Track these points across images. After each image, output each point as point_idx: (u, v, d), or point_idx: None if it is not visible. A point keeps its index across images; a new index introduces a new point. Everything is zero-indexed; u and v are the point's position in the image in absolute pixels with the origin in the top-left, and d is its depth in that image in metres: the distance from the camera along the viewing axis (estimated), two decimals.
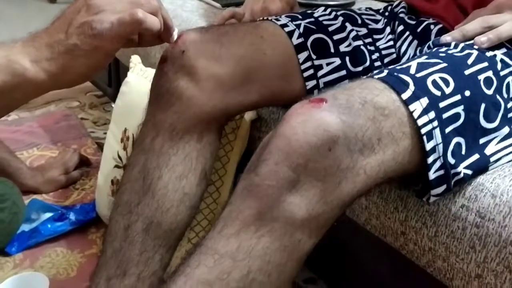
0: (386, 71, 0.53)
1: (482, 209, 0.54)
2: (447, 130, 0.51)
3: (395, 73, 0.52)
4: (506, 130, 0.56)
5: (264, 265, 0.47)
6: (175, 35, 0.58)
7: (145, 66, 1.00)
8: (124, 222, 0.62)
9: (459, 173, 0.53)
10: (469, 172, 0.54)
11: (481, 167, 0.55)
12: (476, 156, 0.54)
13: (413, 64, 0.54)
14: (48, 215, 1.04)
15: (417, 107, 0.50)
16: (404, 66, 0.54)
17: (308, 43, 0.69)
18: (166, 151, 0.62)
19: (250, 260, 0.47)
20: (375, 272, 0.79)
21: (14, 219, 0.96)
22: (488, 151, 0.55)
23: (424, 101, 0.50)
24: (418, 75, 0.52)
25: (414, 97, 0.50)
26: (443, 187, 0.53)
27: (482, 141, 0.55)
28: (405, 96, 0.50)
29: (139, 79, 0.96)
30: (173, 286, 0.48)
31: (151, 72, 0.93)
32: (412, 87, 0.50)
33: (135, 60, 1.01)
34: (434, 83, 0.52)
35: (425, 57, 0.56)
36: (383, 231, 0.64)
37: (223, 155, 0.84)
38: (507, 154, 0.57)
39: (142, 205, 0.62)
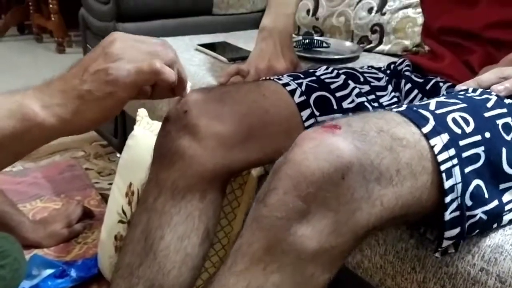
0: (405, 106, 0.52)
1: (503, 274, 0.51)
2: (467, 170, 0.49)
3: (415, 108, 0.50)
4: None
5: None
6: (188, 88, 0.58)
7: (151, 120, 1.00)
8: (125, 285, 0.60)
9: (474, 215, 0.50)
10: (484, 217, 0.51)
11: (495, 214, 0.53)
12: (495, 203, 0.52)
13: (432, 102, 0.53)
14: (49, 271, 1.01)
15: (437, 142, 0.47)
16: (423, 103, 0.53)
17: (311, 101, 0.69)
18: (168, 211, 0.61)
19: None
20: None
21: (15, 275, 0.93)
22: (505, 198, 0.53)
23: (445, 137, 0.48)
24: (437, 111, 0.50)
25: (435, 132, 0.48)
26: (457, 230, 0.50)
27: (502, 186, 0.53)
28: (425, 130, 0.48)
29: (145, 132, 0.96)
30: None
31: (157, 125, 0.92)
32: (432, 122, 0.48)
33: (142, 114, 1.01)
34: (454, 120, 0.50)
35: (444, 97, 0.55)
36: None
37: (229, 212, 0.82)
38: None
39: (144, 267, 0.60)
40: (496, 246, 0.53)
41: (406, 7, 1.21)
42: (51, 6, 2.82)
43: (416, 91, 0.73)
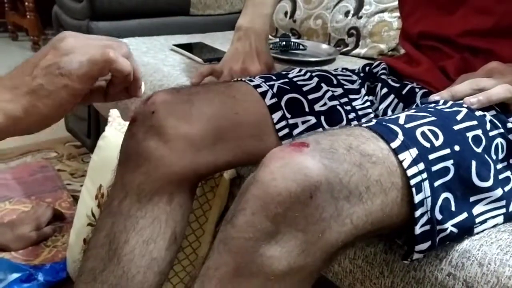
0: (374, 121, 0.51)
1: (469, 278, 0.51)
2: (436, 183, 0.49)
3: (384, 123, 0.50)
4: (499, 191, 0.54)
5: None
6: (142, 88, 0.56)
7: (124, 121, 0.98)
8: None
9: (445, 229, 0.50)
10: (455, 230, 0.51)
11: (466, 227, 0.53)
12: (464, 215, 0.52)
13: (402, 116, 0.52)
14: (15, 275, 0.98)
15: (406, 157, 0.47)
16: (393, 117, 0.52)
17: (282, 103, 0.68)
18: (134, 214, 0.59)
19: None
20: None
21: None
22: (475, 211, 0.53)
23: (414, 151, 0.48)
24: (407, 125, 0.50)
25: (404, 147, 0.47)
26: (428, 243, 0.50)
27: (472, 199, 0.53)
28: (394, 145, 0.47)
29: (116, 133, 0.94)
30: None
31: None
32: (401, 137, 0.48)
33: (114, 114, 0.99)
34: (423, 134, 0.50)
35: (414, 110, 0.55)
36: None
37: (201, 215, 0.81)
38: (493, 217, 0.55)
39: (107, 271, 0.58)
40: (464, 251, 0.53)
41: (382, 11, 1.22)
42: (26, 3, 2.76)
43: (392, 96, 0.73)
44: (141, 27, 1.36)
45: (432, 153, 0.49)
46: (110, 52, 0.48)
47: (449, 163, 0.50)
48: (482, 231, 0.55)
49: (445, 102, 0.58)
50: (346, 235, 0.44)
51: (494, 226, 0.56)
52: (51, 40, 0.49)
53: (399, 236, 0.55)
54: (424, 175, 0.47)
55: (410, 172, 0.47)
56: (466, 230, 0.53)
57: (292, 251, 0.42)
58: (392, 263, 0.57)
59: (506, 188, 0.56)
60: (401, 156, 0.47)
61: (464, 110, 0.56)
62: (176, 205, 0.61)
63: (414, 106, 0.62)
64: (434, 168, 0.48)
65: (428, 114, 0.53)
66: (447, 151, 0.50)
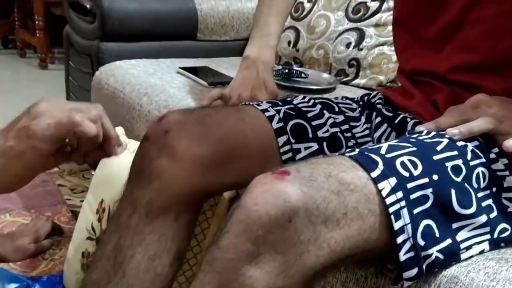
0: (357, 150, 0.54)
1: None
2: (415, 211, 0.51)
3: (366, 152, 0.53)
4: (483, 218, 0.57)
5: None
6: (125, 145, 0.59)
7: (128, 138, 1.00)
8: None
9: (430, 255, 0.53)
10: (440, 256, 0.54)
11: (451, 253, 0.55)
12: (448, 241, 0.55)
13: (384, 146, 0.55)
14: (13, 286, 0.99)
15: (385, 185, 0.50)
16: (376, 147, 0.55)
17: (288, 128, 0.71)
18: (142, 230, 0.61)
19: None
20: None
21: None
22: (459, 237, 0.56)
23: (393, 180, 0.51)
24: (388, 155, 0.53)
25: (383, 176, 0.50)
26: (415, 270, 0.52)
27: (454, 226, 0.55)
28: (374, 174, 0.50)
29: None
30: None
31: (133, 144, 0.93)
32: (381, 166, 0.51)
33: (119, 131, 1.02)
34: (403, 164, 0.53)
35: (396, 140, 0.58)
36: None
37: (199, 233, 0.83)
38: (478, 243, 0.57)
39: (112, 284, 0.59)
40: (452, 277, 0.55)
41: (382, 44, 1.27)
42: (37, 22, 2.83)
43: (385, 125, 0.76)
44: (149, 49, 1.41)
45: (410, 182, 0.52)
46: (76, 116, 0.53)
47: (428, 191, 0.52)
48: (470, 257, 0.57)
49: (428, 133, 0.61)
50: (324, 258, 0.47)
51: (481, 252, 0.58)
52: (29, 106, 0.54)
53: (390, 261, 0.57)
54: (403, 203, 0.50)
55: (388, 200, 0.50)
56: (452, 255, 0.55)
57: (272, 272, 0.45)
58: (382, 287, 0.59)
59: (491, 215, 0.58)
60: (380, 185, 0.50)
61: (445, 141, 0.59)
62: (182, 223, 0.63)
63: (398, 137, 0.66)
64: (413, 196, 0.51)
65: (409, 145, 0.56)
66: (426, 180, 0.53)
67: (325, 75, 1.30)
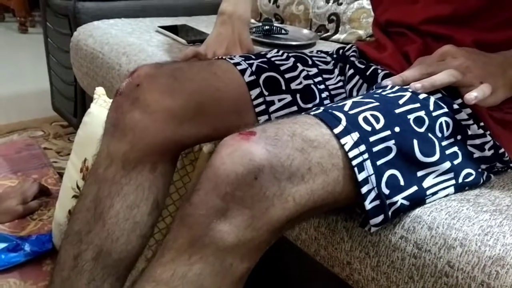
0: (322, 108, 0.57)
1: (419, 241, 0.57)
2: (379, 162, 0.54)
3: (330, 110, 0.55)
4: (447, 164, 0.60)
5: None
6: None
7: (109, 98, 1.01)
8: (73, 251, 0.62)
9: (395, 202, 0.56)
10: (406, 202, 0.57)
11: (418, 199, 0.58)
12: (414, 188, 0.57)
13: (348, 103, 0.58)
14: (2, 245, 1.02)
15: (348, 140, 0.53)
16: (340, 104, 0.57)
17: (260, 81, 0.72)
18: (119, 181, 0.63)
19: (184, 286, 0.49)
20: None
21: None
22: (425, 184, 0.59)
23: (355, 135, 0.53)
24: (351, 112, 0.55)
25: (346, 131, 0.53)
26: (381, 217, 0.55)
27: (420, 173, 0.58)
28: (336, 130, 0.53)
29: (101, 110, 0.97)
30: None
31: None
32: (344, 123, 0.53)
33: (99, 92, 1.03)
34: (365, 119, 0.55)
35: (361, 97, 0.60)
36: (331, 262, 0.66)
37: (181, 186, 0.85)
38: (444, 188, 0.60)
39: (93, 234, 0.62)
40: (415, 217, 0.58)
41: None
42: None
43: (357, 77, 0.78)
44: (127, 8, 1.39)
45: (373, 136, 0.54)
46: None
47: (390, 143, 0.55)
48: (434, 201, 0.61)
49: (392, 87, 0.63)
50: (290, 211, 0.50)
51: (446, 196, 0.61)
52: None
53: (358, 207, 0.61)
54: (366, 156, 0.53)
55: (351, 154, 0.52)
56: (418, 201, 0.59)
57: (240, 225, 0.49)
58: (351, 229, 0.63)
59: (456, 161, 0.61)
60: (343, 140, 0.52)
61: (408, 94, 0.61)
62: (159, 173, 0.65)
63: (369, 89, 0.67)
64: (376, 149, 0.54)
65: (372, 100, 0.58)
66: (388, 132, 0.55)
67: (305, 31, 1.30)
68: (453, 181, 0.61)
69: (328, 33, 1.33)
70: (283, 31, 1.27)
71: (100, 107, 0.98)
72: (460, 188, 0.62)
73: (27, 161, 1.41)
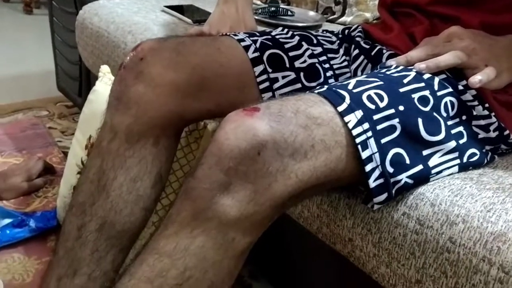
0: (326, 87, 0.57)
1: (422, 217, 0.57)
2: (383, 140, 0.54)
3: (334, 88, 0.55)
4: (452, 144, 0.59)
5: (200, 262, 0.50)
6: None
7: (114, 76, 1.01)
8: (77, 222, 0.63)
9: (399, 181, 0.56)
10: (410, 181, 0.57)
11: (422, 178, 0.58)
12: (419, 167, 0.57)
13: (352, 81, 0.57)
14: (7, 221, 1.03)
15: (351, 118, 0.53)
16: (344, 83, 0.57)
17: (264, 57, 0.72)
18: (122, 153, 0.63)
19: (186, 258, 0.49)
20: (325, 280, 0.81)
21: None
22: (431, 162, 0.58)
23: (359, 113, 0.53)
24: (355, 90, 0.55)
25: (349, 109, 0.53)
26: (385, 195, 0.56)
27: (425, 152, 0.58)
28: (340, 108, 0.53)
29: (106, 88, 0.97)
30: (119, 284, 0.50)
31: None
32: (348, 101, 0.53)
33: (104, 70, 1.03)
34: (369, 97, 0.55)
35: (365, 76, 0.60)
36: (333, 239, 0.67)
37: (185, 164, 0.86)
38: (449, 167, 0.60)
39: (96, 205, 0.63)
40: (418, 194, 0.59)
41: None
42: None
43: (362, 57, 0.77)
44: None
45: (377, 114, 0.54)
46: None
47: (394, 121, 0.55)
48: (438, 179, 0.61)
49: (396, 67, 0.63)
50: (293, 187, 0.50)
51: (450, 175, 0.61)
52: None
53: (361, 185, 0.61)
54: (369, 134, 0.53)
55: (355, 132, 0.52)
56: (422, 180, 0.59)
57: (243, 200, 0.49)
58: (354, 207, 0.63)
59: (461, 141, 0.61)
60: (346, 118, 0.52)
61: (412, 74, 0.61)
62: (162, 147, 0.66)
63: (374, 68, 0.67)
64: (380, 127, 0.54)
65: (376, 79, 0.58)
66: (392, 111, 0.55)
67: (311, 13, 1.29)
68: (457, 161, 0.61)
69: (335, 16, 1.32)
70: (289, 13, 1.26)
71: (105, 85, 0.98)
72: (464, 167, 0.62)
73: (32, 139, 1.41)
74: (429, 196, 0.58)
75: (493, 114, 0.64)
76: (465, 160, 0.61)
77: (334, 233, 0.66)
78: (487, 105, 0.64)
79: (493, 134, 0.65)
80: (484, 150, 0.64)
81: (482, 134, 0.64)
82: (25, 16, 2.83)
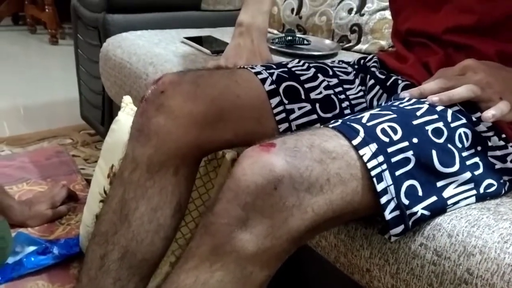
0: (340, 121, 0.58)
1: (439, 248, 0.57)
2: (398, 173, 0.55)
3: (348, 122, 0.57)
4: (467, 175, 0.60)
5: None
6: None
7: (136, 107, 1.04)
8: (100, 251, 0.65)
9: (415, 213, 0.56)
10: (426, 212, 0.57)
11: (438, 209, 0.58)
12: (434, 198, 0.58)
13: (366, 115, 0.58)
14: (32, 248, 1.06)
15: (366, 151, 0.53)
16: (358, 116, 0.58)
17: (280, 89, 0.73)
18: (143, 184, 0.65)
19: None
20: None
21: (1, 253, 0.98)
22: (446, 194, 0.59)
23: (373, 146, 0.54)
24: (368, 124, 0.56)
25: (364, 143, 0.54)
26: (401, 227, 0.56)
27: (439, 184, 0.58)
28: (355, 142, 0.54)
29: (128, 118, 1.01)
30: None
31: None
32: (362, 134, 0.54)
33: (127, 100, 1.06)
34: (383, 131, 0.56)
35: (378, 109, 0.61)
36: (350, 269, 0.67)
37: (204, 192, 0.87)
38: (465, 198, 0.60)
39: (119, 235, 0.64)
40: (435, 225, 0.59)
41: (384, 9, 1.27)
42: None
43: (377, 87, 0.78)
44: (154, 20, 1.44)
45: (391, 147, 0.55)
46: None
47: (409, 154, 0.56)
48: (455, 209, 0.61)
49: (409, 100, 0.64)
50: (309, 221, 0.51)
51: (467, 205, 0.61)
52: None
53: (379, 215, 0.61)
54: (384, 166, 0.54)
55: (370, 165, 0.53)
56: (439, 211, 0.59)
57: (260, 234, 0.50)
58: (371, 236, 0.63)
59: (477, 172, 0.61)
60: (361, 152, 0.53)
61: (425, 106, 0.61)
62: (181, 177, 0.67)
63: (380, 105, 0.67)
64: (394, 159, 0.55)
65: (389, 112, 0.59)
66: (406, 143, 0.56)
67: (327, 42, 1.31)
68: (474, 191, 0.61)
69: (350, 44, 1.34)
70: (305, 42, 1.29)
71: (127, 115, 1.02)
72: (481, 198, 0.62)
73: (56, 167, 1.45)
74: (446, 226, 0.58)
75: (510, 144, 0.64)
76: (482, 190, 0.61)
77: (352, 263, 0.66)
78: (503, 135, 0.64)
79: (510, 165, 0.65)
80: (501, 181, 0.64)
81: (499, 165, 0.64)
82: (51, 46, 2.94)
